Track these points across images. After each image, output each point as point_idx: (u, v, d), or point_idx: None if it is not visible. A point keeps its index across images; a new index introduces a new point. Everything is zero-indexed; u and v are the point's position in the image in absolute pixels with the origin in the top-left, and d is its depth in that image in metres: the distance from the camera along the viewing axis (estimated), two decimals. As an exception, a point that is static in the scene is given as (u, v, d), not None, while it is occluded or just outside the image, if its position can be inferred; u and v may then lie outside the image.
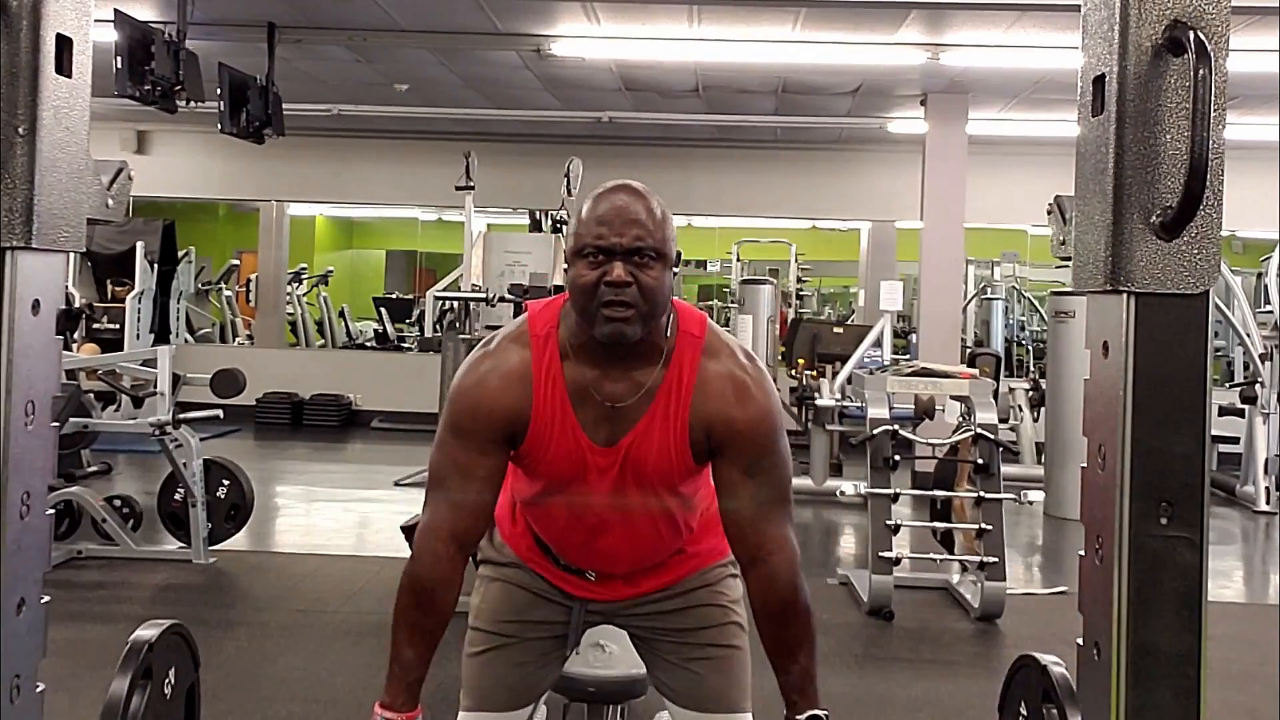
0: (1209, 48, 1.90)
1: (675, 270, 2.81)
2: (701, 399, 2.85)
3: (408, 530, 7.53)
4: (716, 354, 2.89)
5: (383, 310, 21.10)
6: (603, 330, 2.74)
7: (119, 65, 8.94)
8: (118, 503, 8.93)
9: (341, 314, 21.15)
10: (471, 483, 2.86)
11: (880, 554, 7.68)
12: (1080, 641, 2.16)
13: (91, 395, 10.03)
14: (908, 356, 12.59)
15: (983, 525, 7.66)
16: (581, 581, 3.16)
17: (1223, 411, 12.49)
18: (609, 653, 3.56)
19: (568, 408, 2.85)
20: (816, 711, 2.85)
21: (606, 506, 2.94)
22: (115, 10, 8.96)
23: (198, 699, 3.27)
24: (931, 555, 8.21)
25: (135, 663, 2.80)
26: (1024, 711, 2.95)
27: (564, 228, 2.98)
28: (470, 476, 2.86)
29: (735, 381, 2.86)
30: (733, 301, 16.83)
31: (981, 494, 7.73)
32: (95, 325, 14.84)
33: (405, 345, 20.38)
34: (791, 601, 2.88)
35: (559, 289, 3.01)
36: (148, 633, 2.90)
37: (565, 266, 2.81)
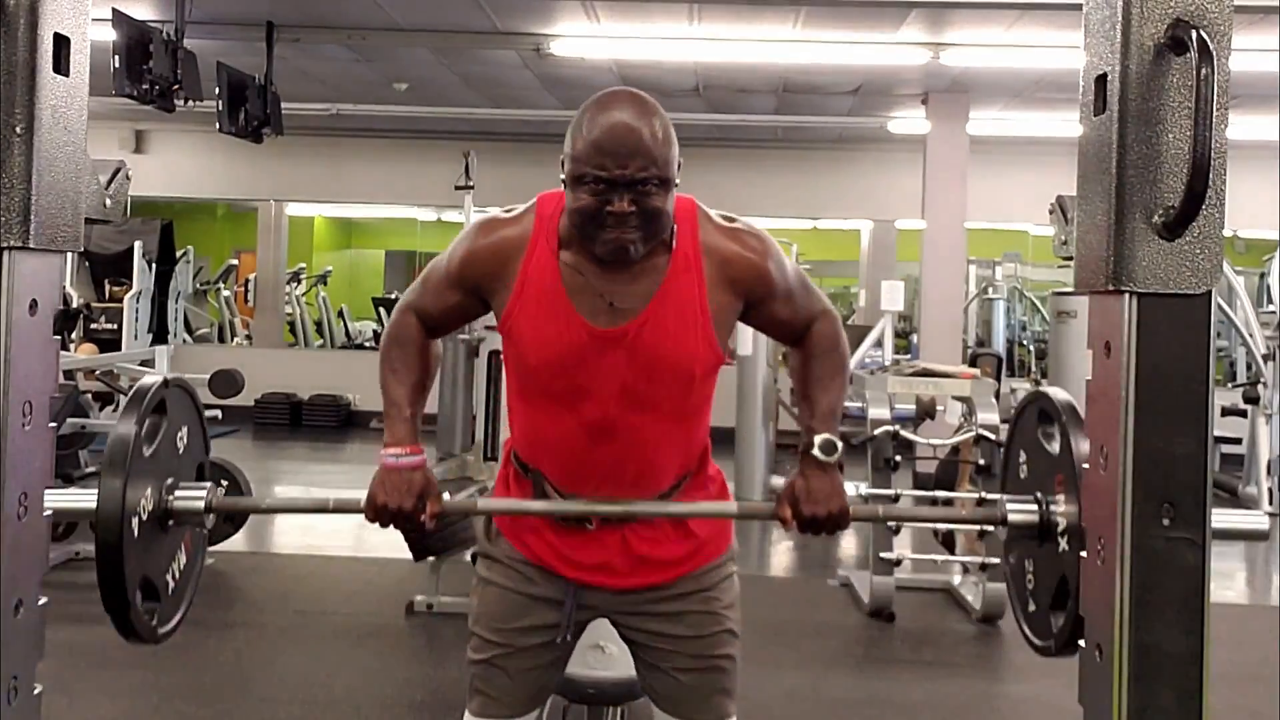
0: (1211, 47, 1.90)
1: (678, 183, 2.82)
2: (713, 263, 2.90)
3: (407, 531, 7.55)
4: (710, 224, 2.95)
5: (382, 310, 21.10)
6: (604, 251, 2.77)
7: (117, 64, 8.94)
8: (116, 504, 8.91)
9: (340, 314, 21.15)
10: (439, 304, 3.05)
11: (881, 555, 7.68)
12: (1082, 643, 2.16)
13: (89, 396, 10.03)
14: (909, 357, 12.58)
15: (983, 526, 7.66)
16: (579, 542, 3.08)
17: (1225, 412, 12.47)
18: (608, 654, 3.56)
19: (560, 291, 2.87)
20: (831, 435, 2.97)
21: (613, 403, 2.91)
22: (113, 9, 8.96)
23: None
24: (933, 556, 8.21)
25: (140, 406, 2.77)
26: (1025, 456, 2.96)
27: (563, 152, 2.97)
28: (440, 300, 3.05)
29: (736, 236, 2.94)
30: (733, 301, 16.81)
31: (983, 495, 7.73)
32: (93, 325, 14.84)
33: (404, 346, 20.35)
34: (834, 344, 3.09)
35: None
36: (152, 380, 2.87)
37: (563, 178, 2.80)
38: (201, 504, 2.90)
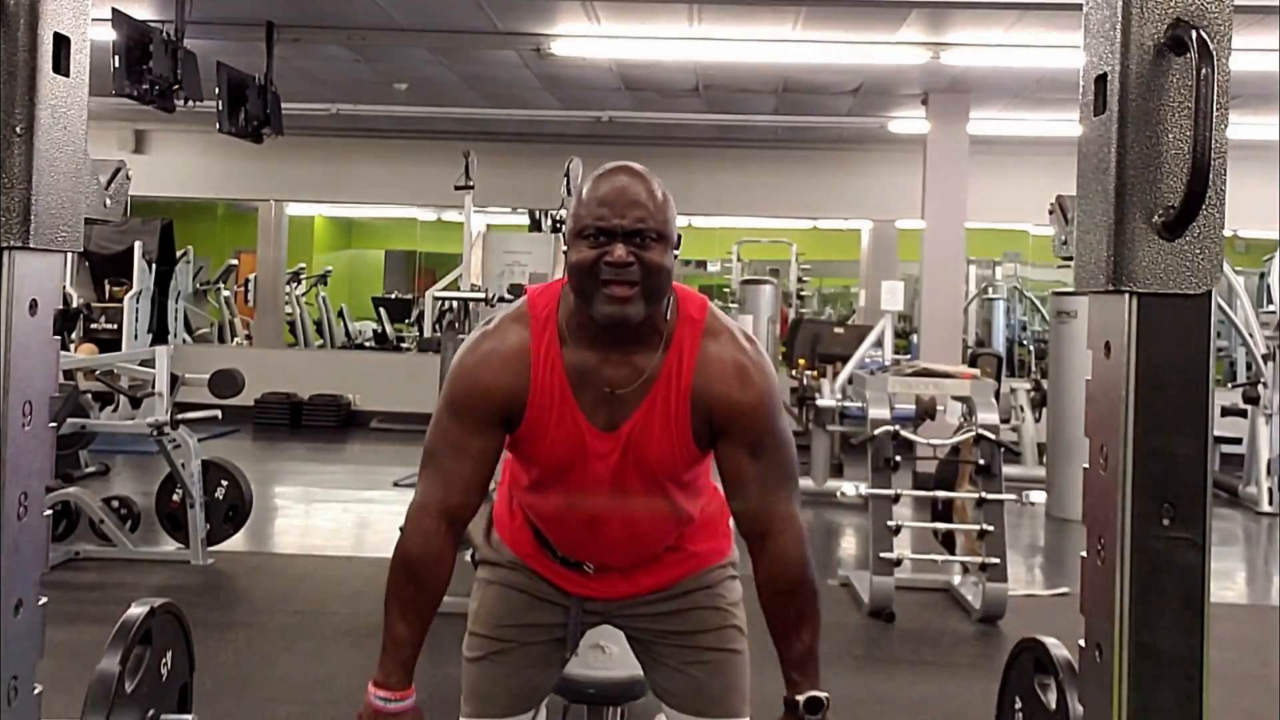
0: (1211, 47, 1.90)
1: (675, 253, 2.80)
2: (702, 382, 2.84)
3: (407, 531, 7.55)
4: (716, 336, 2.89)
5: (382, 310, 21.12)
6: (603, 310, 2.73)
7: (117, 64, 8.94)
8: (115, 504, 8.93)
9: (340, 314, 21.17)
10: (465, 460, 2.86)
11: (881, 555, 7.68)
12: (1082, 643, 2.16)
13: (89, 395, 10.03)
14: (909, 357, 12.60)
15: (984, 526, 7.66)
16: (579, 576, 3.13)
17: (1225, 412, 12.48)
18: (609, 654, 3.56)
19: (566, 391, 2.85)
20: (816, 692, 2.87)
21: (606, 495, 2.92)
22: (113, 9, 8.96)
23: (190, 686, 3.26)
24: (933, 556, 8.22)
25: (126, 640, 2.79)
26: (1020, 704, 2.94)
27: (563, 227, 3.07)
28: (464, 454, 2.86)
29: (735, 364, 2.86)
30: (733, 301, 16.84)
31: (983, 495, 7.73)
32: (93, 325, 14.84)
33: (404, 345, 20.41)
34: (799, 578, 2.91)
35: (558, 280, 3.01)
36: (139, 610, 2.89)
37: (565, 249, 2.80)
38: None
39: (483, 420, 2.86)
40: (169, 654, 3.00)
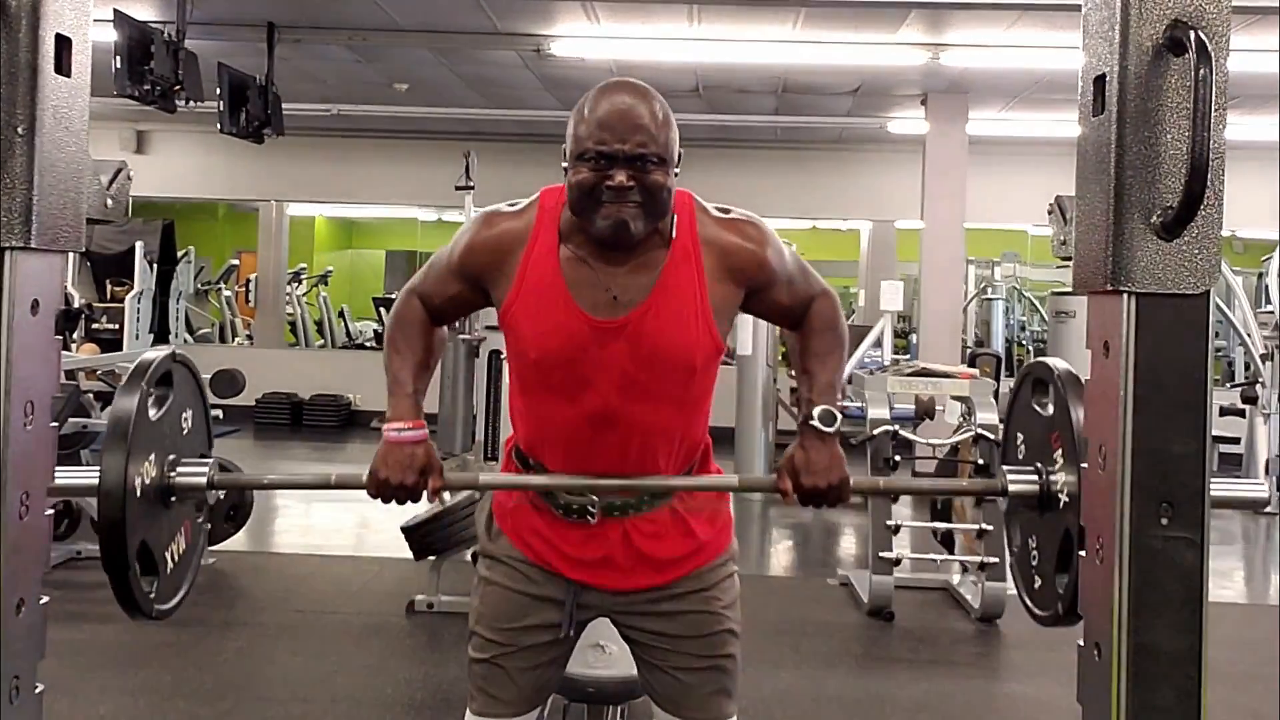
0: (1210, 47, 1.90)
1: (677, 171, 2.84)
2: (712, 253, 2.92)
3: (408, 531, 7.56)
4: (708, 215, 2.98)
5: (382, 310, 21.08)
6: (602, 226, 2.78)
7: (118, 65, 8.94)
8: (117, 503, 8.93)
9: (341, 314, 21.17)
10: (441, 291, 3.08)
11: (880, 554, 7.68)
12: (1081, 642, 2.16)
13: (91, 395, 10.03)
14: (908, 357, 12.60)
15: (983, 526, 7.66)
16: (580, 533, 3.08)
17: (1223, 412, 12.48)
18: (609, 653, 3.56)
19: (560, 282, 2.88)
20: (830, 407, 2.97)
21: (613, 395, 2.91)
22: (114, 10, 8.97)
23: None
24: (932, 556, 8.21)
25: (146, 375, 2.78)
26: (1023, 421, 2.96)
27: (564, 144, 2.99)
28: (443, 287, 3.07)
29: (733, 225, 2.98)
30: (733, 301, 16.80)
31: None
32: (94, 325, 14.84)
33: (405, 346, 20.35)
34: (832, 321, 3.13)
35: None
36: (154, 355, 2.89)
37: (565, 164, 2.83)
38: (204, 480, 2.92)
39: (468, 272, 3.00)
40: (189, 411, 3.01)
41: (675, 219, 2.91)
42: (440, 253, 3.07)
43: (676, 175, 2.84)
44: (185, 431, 2.99)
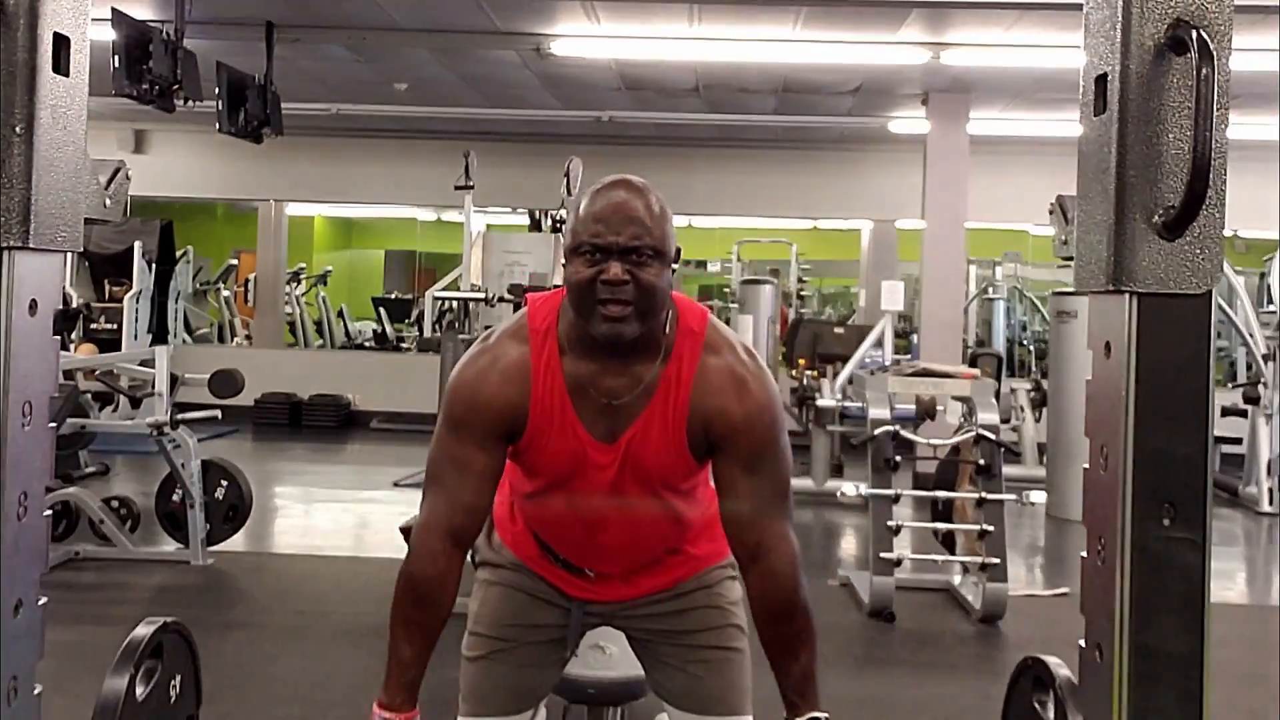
0: (1212, 47, 1.90)
1: (674, 267, 2.80)
2: (700, 394, 2.84)
3: (407, 531, 7.51)
4: (716, 349, 2.88)
5: (381, 310, 21.12)
6: (599, 329, 2.73)
7: (117, 64, 8.93)
8: (115, 504, 8.94)
9: (340, 314, 21.17)
10: (468, 479, 2.85)
11: (881, 555, 7.68)
12: (1082, 643, 2.16)
13: (89, 396, 10.04)
14: (909, 357, 12.60)
15: (984, 526, 7.66)
16: (580, 580, 3.14)
17: (1225, 412, 12.49)
18: (609, 654, 3.56)
19: (567, 403, 2.85)
20: (817, 714, 2.85)
21: (606, 503, 2.93)
22: (113, 9, 8.96)
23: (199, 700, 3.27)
24: (933, 556, 8.22)
25: (132, 660, 2.79)
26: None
27: (563, 227, 3.00)
28: (467, 472, 2.85)
29: (734, 377, 2.85)
30: (733, 301, 16.81)
31: (983, 495, 7.72)
32: (93, 325, 14.84)
33: (404, 346, 20.39)
34: (791, 600, 2.88)
35: (558, 289, 3.01)
36: (145, 630, 2.89)
37: (564, 263, 2.80)
38: None
39: (484, 436, 2.86)
40: (178, 677, 3.02)
41: (676, 337, 2.87)
42: (441, 453, 2.90)
43: (674, 271, 2.82)
44: (173, 700, 2.99)
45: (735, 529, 2.89)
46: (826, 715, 2.85)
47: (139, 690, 2.80)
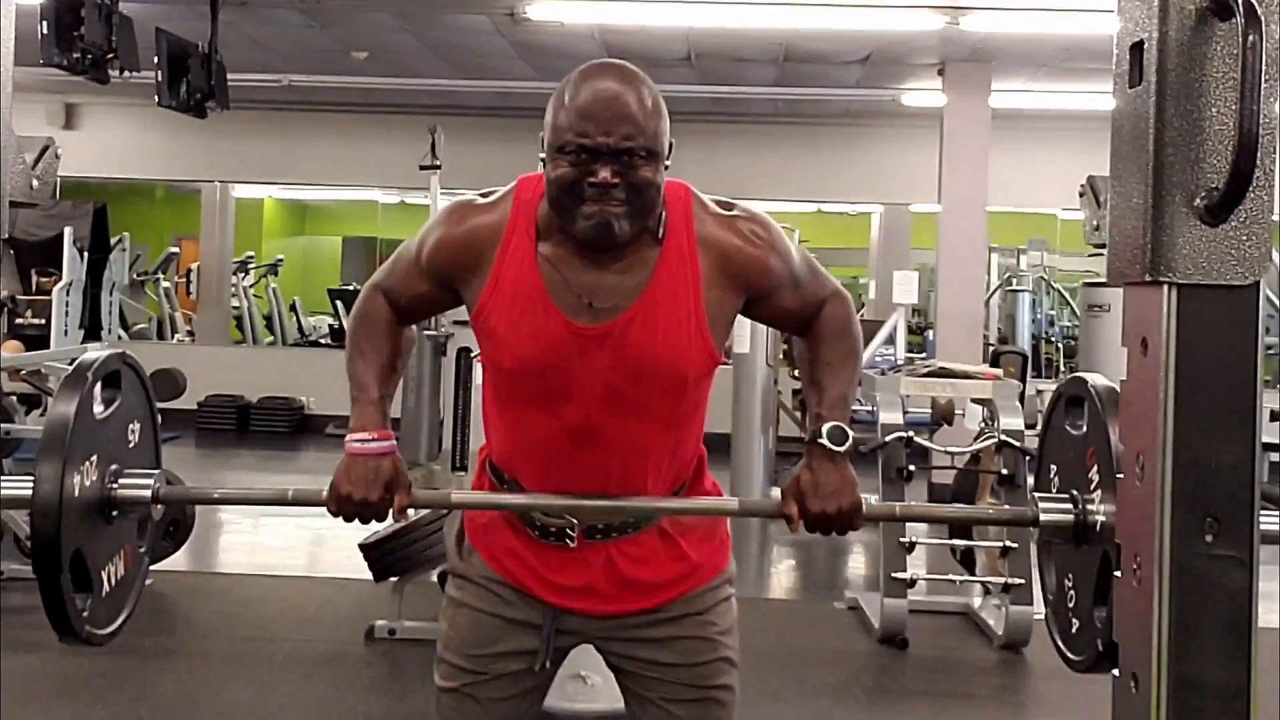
0: (1259, 10, 1.90)
1: (668, 164, 2.81)
2: (710, 255, 2.89)
3: (368, 549, 7.55)
4: (707, 212, 2.94)
5: (339, 303, 21.03)
6: (585, 226, 2.75)
7: (44, 30, 8.91)
8: (43, 518, 8.91)
9: (293, 307, 21.13)
10: (406, 289, 3.06)
11: (893, 575, 7.68)
12: (1116, 673, 2.16)
13: (14, 398, 10.02)
14: (923, 355, 12.60)
15: (1007, 543, 7.67)
16: (559, 560, 3.06)
17: (1274, 416, 12.49)
18: (590, 685, 3.57)
19: (538, 283, 2.86)
20: (841, 423, 2.95)
21: (594, 404, 2.88)
22: (40, -30, 8.95)
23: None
24: (950, 576, 8.22)
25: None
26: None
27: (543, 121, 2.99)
28: (408, 284, 3.05)
29: (733, 224, 2.93)
30: (729, 293, 16.80)
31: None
32: (18, 320, 14.80)
33: (364, 343, 20.30)
34: (846, 325, 3.07)
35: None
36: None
37: (542, 155, 2.81)
38: (148, 492, 2.90)
39: (435, 270, 2.99)
40: (136, 423, 3.02)
41: (667, 215, 2.88)
42: (406, 247, 3.05)
43: (667, 168, 2.82)
44: (131, 445, 2.99)
45: (810, 316, 3.07)
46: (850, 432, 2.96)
47: (97, 409, 2.81)
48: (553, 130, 2.77)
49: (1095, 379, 2.71)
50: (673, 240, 2.87)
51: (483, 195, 2.99)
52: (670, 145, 2.83)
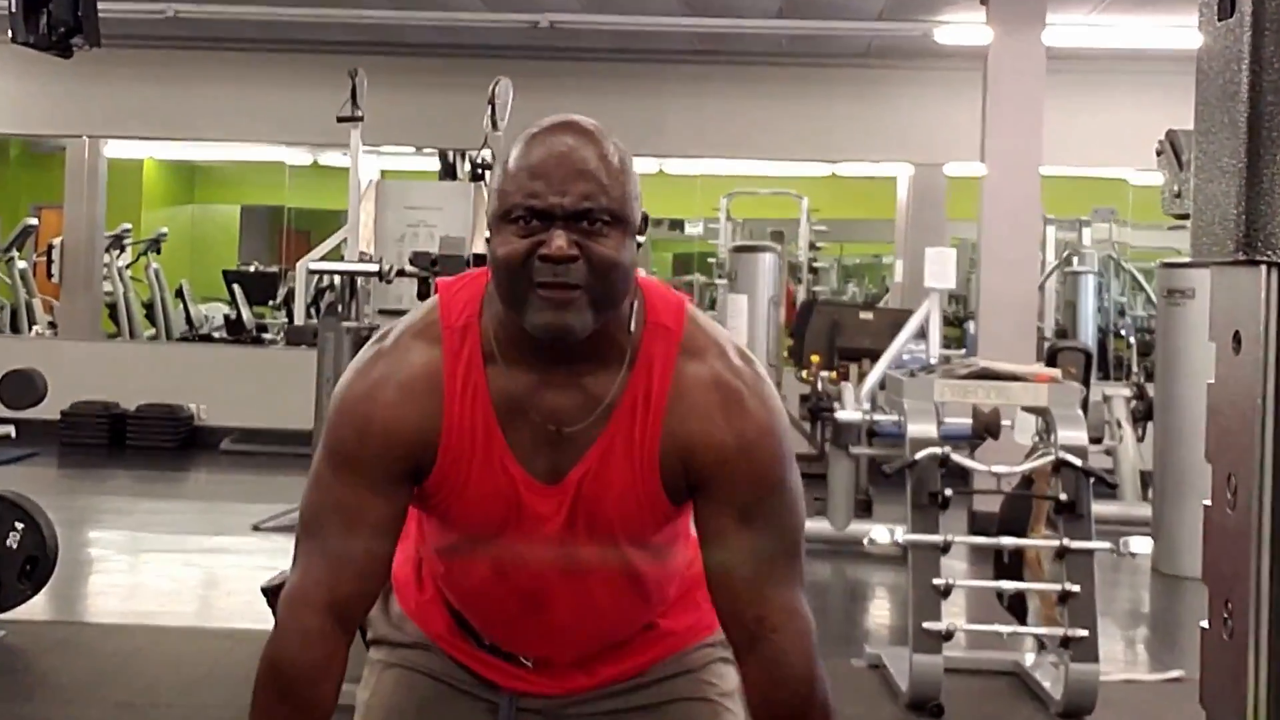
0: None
1: (640, 239, 2.76)
2: (678, 414, 2.79)
3: (272, 592, 7.52)
4: (699, 353, 2.83)
5: (236, 288, 21.05)
6: (536, 322, 2.67)
7: None
8: None
9: (179, 293, 21.10)
10: (358, 532, 2.82)
11: (925, 626, 7.68)
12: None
13: None
14: (963, 352, 12.63)
15: (1067, 586, 7.67)
16: (515, 670, 3.09)
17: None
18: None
19: (493, 428, 2.80)
20: None
21: (550, 566, 2.87)
22: None
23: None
24: (996, 627, 8.23)
25: None
26: None
27: (487, 175, 2.95)
28: (357, 524, 2.81)
29: (724, 389, 2.81)
30: (720, 276, 16.86)
31: (1065, 543, 7.73)
32: None
33: (267, 337, 20.34)
34: (804, 696, 2.85)
35: (480, 260, 2.90)
36: None
37: (487, 234, 2.75)
38: None
39: (380, 475, 2.82)
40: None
41: (645, 321, 2.82)
42: (322, 495, 2.87)
43: (640, 245, 2.78)
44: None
45: (727, 600, 2.85)
46: None
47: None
48: (498, 198, 2.72)
49: None
50: (641, 375, 2.82)
51: (377, 343, 2.90)
52: (645, 219, 2.79)
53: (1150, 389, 13.16)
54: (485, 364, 2.81)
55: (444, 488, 2.84)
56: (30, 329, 19.74)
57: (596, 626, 3.00)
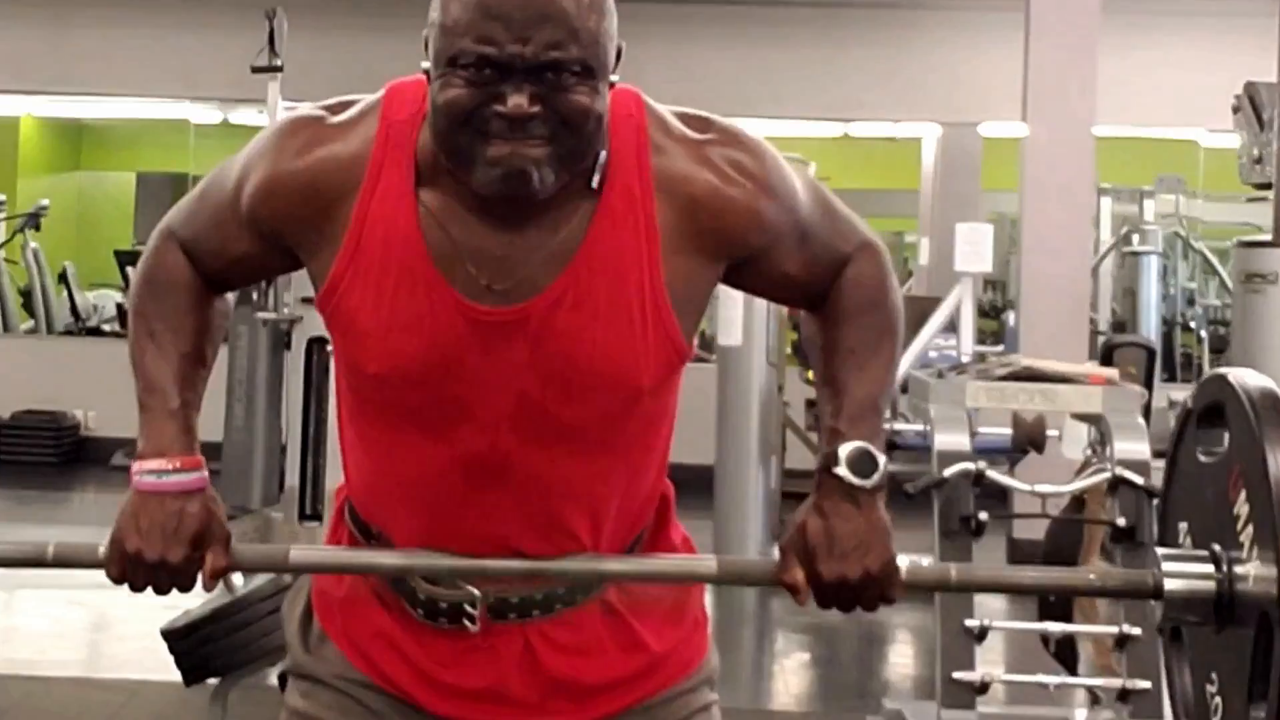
0: None
1: (614, 80, 2.72)
2: (681, 208, 2.78)
3: (173, 636, 7.53)
4: (667, 130, 2.84)
5: (130, 271, 21.01)
6: (487, 175, 2.63)
7: None
8: None
9: (63, 278, 21.07)
10: (212, 243, 2.95)
11: (955, 676, 7.68)
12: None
13: None
14: (1000, 348, 12.63)
15: (1125, 628, 7.68)
16: (455, 651, 2.98)
17: None
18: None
19: (419, 247, 2.76)
20: (867, 445, 2.83)
21: (503, 423, 2.80)
22: None
23: None
24: (1041, 678, 8.22)
25: None
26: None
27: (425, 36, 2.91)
28: (217, 239, 2.94)
29: (718, 160, 2.82)
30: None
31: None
32: None
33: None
34: (877, 291, 3.02)
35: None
36: None
37: (424, 66, 2.70)
38: None
39: (251, 224, 2.87)
40: None
41: (609, 148, 2.77)
42: (218, 177, 2.93)
43: (613, 86, 2.73)
44: None
45: (809, 296, 3.01)
46: (880, 455, 2.84)
47: None
48: (441, 33, 2.65)
49: (1245, 378, 2.69)
50: (618, 183, 2.77)
51: (332, 110, 2.87)
52: (619, 51, 2.74)
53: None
54: (418, 183, 2.77)
55: (352, 296, 2.79)
56: (-117, 321, 19.79)
57: (557, 520, 2.89)
